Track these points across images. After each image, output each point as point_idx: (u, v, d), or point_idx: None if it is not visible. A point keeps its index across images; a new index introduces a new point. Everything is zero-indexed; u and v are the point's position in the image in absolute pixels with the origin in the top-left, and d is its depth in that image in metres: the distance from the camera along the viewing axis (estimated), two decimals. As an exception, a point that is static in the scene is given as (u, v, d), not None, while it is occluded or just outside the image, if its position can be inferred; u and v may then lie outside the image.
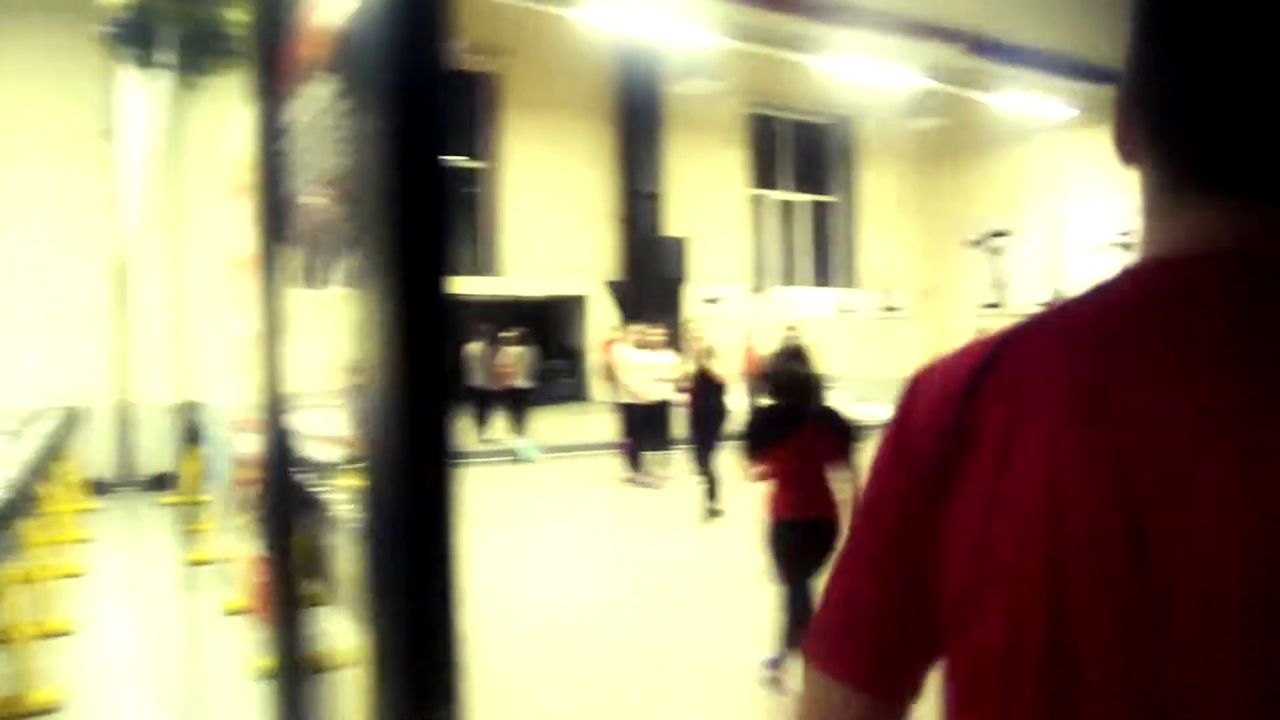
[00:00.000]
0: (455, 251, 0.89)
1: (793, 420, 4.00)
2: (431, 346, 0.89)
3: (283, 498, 1.45)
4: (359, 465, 0.99)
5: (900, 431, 0.72)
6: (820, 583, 4.10)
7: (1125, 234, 14.14)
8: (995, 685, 0.64)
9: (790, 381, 4.10)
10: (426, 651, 0.92)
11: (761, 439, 4.03)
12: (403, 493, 0.91)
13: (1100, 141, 11.14)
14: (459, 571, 0.95)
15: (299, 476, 1.46)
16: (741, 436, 4.21)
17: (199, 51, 4.32)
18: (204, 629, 4.19)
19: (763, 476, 4.01)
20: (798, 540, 3.95)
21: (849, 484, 3.94)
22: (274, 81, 1.38)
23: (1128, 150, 0.69)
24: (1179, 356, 0.60)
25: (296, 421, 1.50)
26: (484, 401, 12.60)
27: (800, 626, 4.04)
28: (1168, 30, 0.64)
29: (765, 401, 4.22)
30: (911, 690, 0.74)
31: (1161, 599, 0.56)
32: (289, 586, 1.44)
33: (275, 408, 1.48)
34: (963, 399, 0.66)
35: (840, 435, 4.03)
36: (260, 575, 1.82)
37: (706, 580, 5.95)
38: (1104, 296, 0.67)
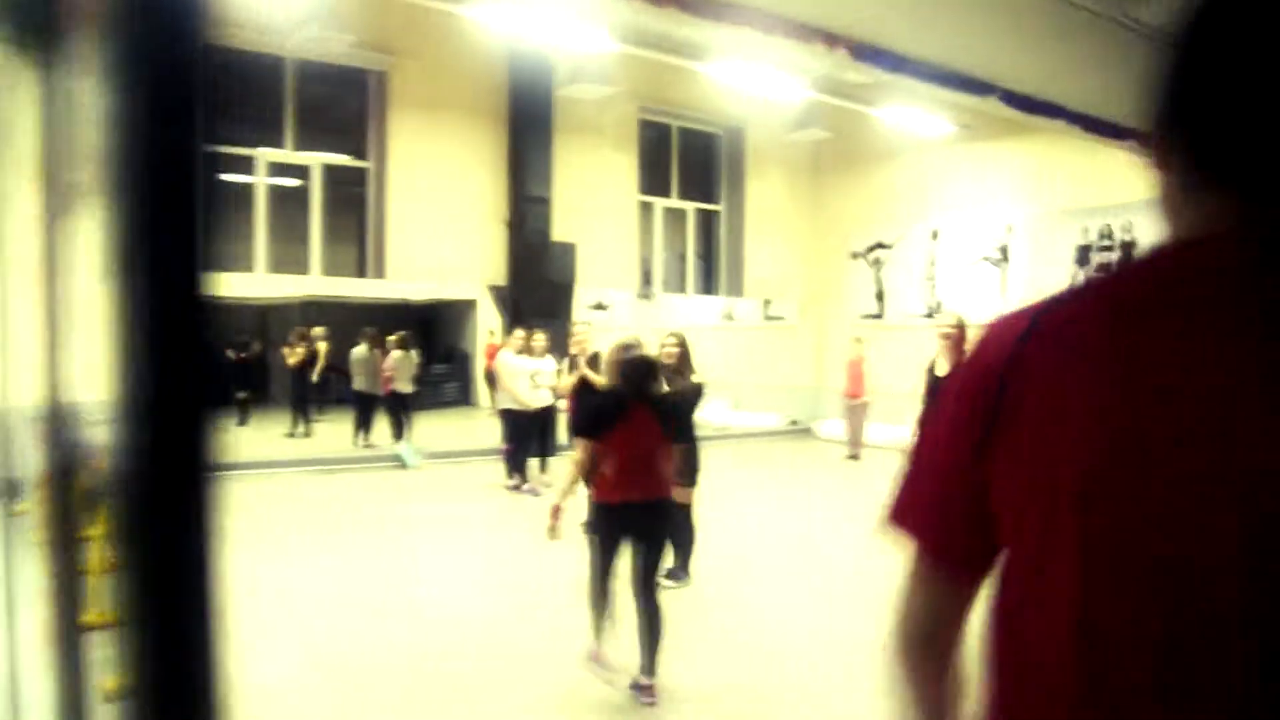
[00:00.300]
0: (213, 245, 0.78)
1: (627, 407, 4.16)
2: (181, 350, 0.77)
3: (64, 517, 1.29)
4: (109, 483, 0.87)
5: (971, 373, 0.90)
6: (657, 562, 4.22)
7: (1000, 249, 14.71)
8: (1042, 579, 0.81)
9: (628, 370, 4.26)
10: (169, 685, 0.79)
11: (596, 424, 4.17)
12: (148, 516, 0.79)
13: (977, 158, 11.52)
14: (219, 597, 0.83)
15: (82, 493, 1.30)
16: (577, 422, 4.34)
17: (31, 22, 3.96)
18: (29, 650, 3.86)
19: (595, 460, 4.13)
20: (621, 520, 4.12)
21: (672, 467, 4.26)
22: (54, 42, 1.23)
23: (1158, 158, 0.88)
24: (1199, 313, 0.77)
25: (85, 429, 1.34)
26: (367, 406, 12.24)
27: (601, 600, 4.28)
28: (1202, 76, 0.83)
29: (599, 389, 4.33)
30: (984, 569, 0.91)
31: (1187, 490, 0.73)
32: (70, 614, 1.28)
33: (58, 414, 1.32)
34: (1014, 349, 0.84)
35: (669, 422, 4.26)
36: (46, 602, 1.64)
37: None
38: (1136, 269, 0.86)
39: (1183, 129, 0.85)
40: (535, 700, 4.25)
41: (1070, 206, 13.48)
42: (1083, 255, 13.46)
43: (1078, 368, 0.79)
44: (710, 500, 7.52)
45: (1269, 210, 0.78)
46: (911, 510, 0.96)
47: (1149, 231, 12.71)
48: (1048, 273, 13.70)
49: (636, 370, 4.25)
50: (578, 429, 4.26)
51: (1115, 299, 0.82)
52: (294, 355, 12.88)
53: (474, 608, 5.64)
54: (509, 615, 5.49)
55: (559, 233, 15.15)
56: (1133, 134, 6.08)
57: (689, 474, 5.99)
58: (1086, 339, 0.80)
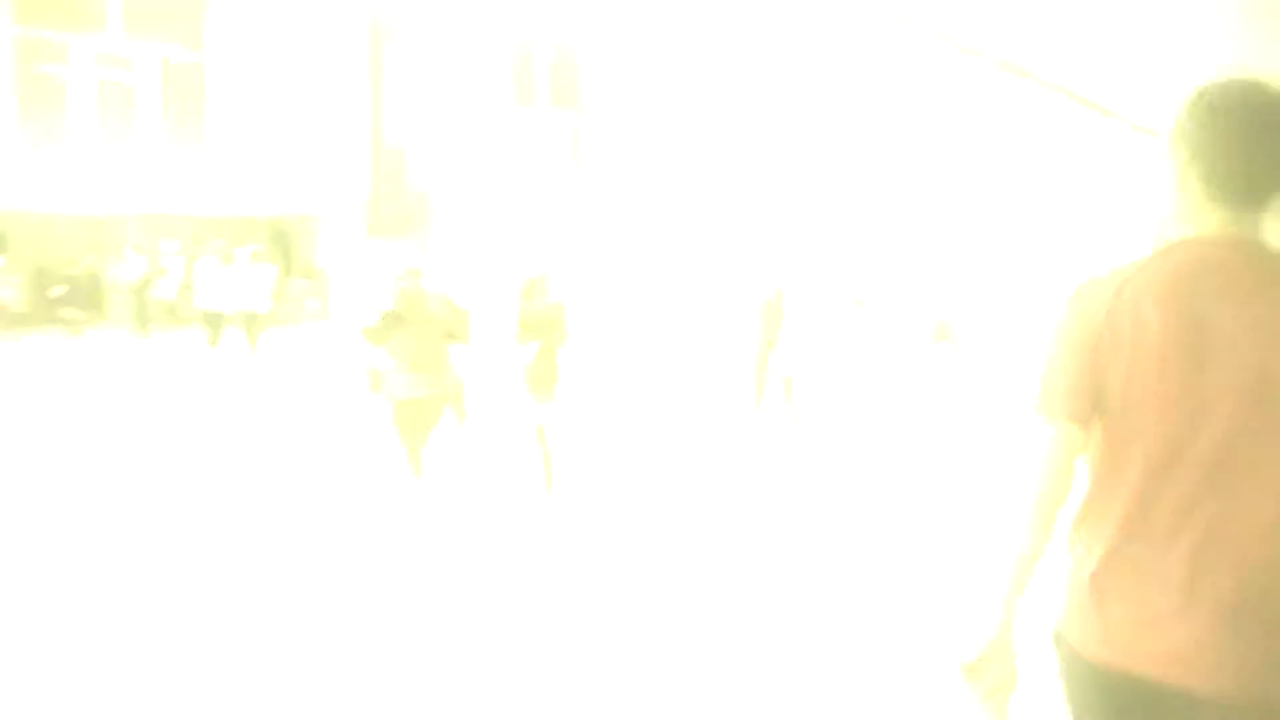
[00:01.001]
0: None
1: (403, 319, 5.23)
2: None
3: None
4: None
5: (1079, 311, 1.48)
6: (430, 448, 5.42)
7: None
8: (1142, 421, 1.45)
9: (410, 286, 5.34)
10: None
11: (383, 330, 5.26)
12: None
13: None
14: None
15: None
16: (370, 329, 5.46)
17: None
18: None
19: (383, 360, 5.30)
20: (413, 411, 5.24)
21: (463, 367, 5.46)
22: None
23: (1179, 181, 1.51)
24: (1214, 281, 1.43)
25: None
26: (216, 323, 11.57)
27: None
28: (1212, 138, 1.48)
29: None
30: (1090, 420, 1.49)
31: (1207, 372, 1.41)
32: None
33: None
34: (1114, 296, 1.44)
35: (455, 328, 5.39)
36: None
37: (448, 500, 5.77)
38: (1172, 254, 1.48)
39: (1202, 170, 1.48)
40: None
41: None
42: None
43: (1153, 308, 1.42)
44: (573, 416, 7.47)
45: (1248, 215, 1.48)
46: (1053, 396, 1.52)
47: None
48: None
49: (409, 294, 5.42)
50: (364, 333, 5.43)
51: (1167, 270, 1.44)
52: (134, 270, 12.01)
53: (304, 527, 5.48)
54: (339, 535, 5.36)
55: (420, 141, 14.50)
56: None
57: (545, 390, 5.92)
58: (1156, 292, 1.42)
